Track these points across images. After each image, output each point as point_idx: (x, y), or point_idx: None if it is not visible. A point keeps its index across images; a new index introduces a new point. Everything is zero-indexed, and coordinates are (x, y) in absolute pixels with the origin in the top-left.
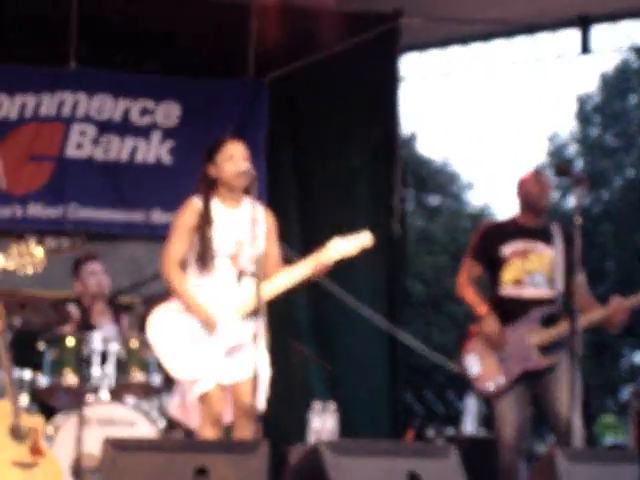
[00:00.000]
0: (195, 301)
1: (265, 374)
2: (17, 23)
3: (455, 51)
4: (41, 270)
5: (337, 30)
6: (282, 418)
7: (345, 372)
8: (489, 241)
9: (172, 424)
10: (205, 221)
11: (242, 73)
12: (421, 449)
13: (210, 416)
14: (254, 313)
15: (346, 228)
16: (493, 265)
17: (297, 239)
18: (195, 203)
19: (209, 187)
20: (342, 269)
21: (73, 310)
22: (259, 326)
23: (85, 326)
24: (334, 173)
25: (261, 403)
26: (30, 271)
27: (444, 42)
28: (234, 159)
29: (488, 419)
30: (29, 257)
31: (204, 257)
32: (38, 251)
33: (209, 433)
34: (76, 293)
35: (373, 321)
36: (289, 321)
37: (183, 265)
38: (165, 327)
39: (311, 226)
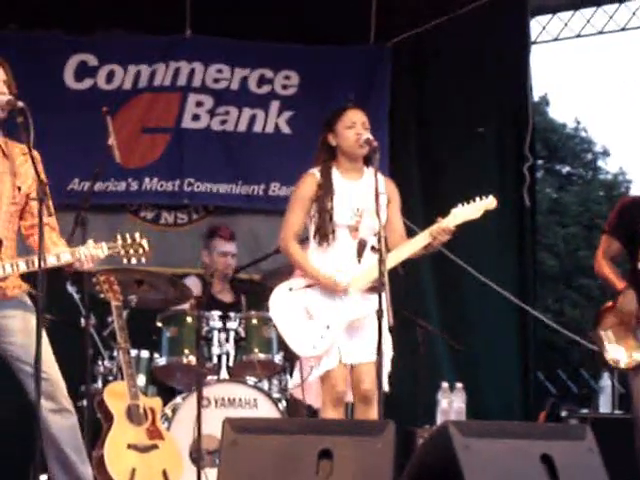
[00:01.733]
0: (318, 270)
1: (387, 353)
2: None
3: (587, 12)
4: (146, 261)
5: None
6: (409, 399)
7: (473, 350)
8: (627, 217)
9: (292, 404)
10: (324, 192)
11: (363, 40)
12: (554, 430)
13: (332, 396)
14: (376, 287)
15: (472, 200)
16: (631, 241)
17: (420, 212)
18: (314, 174)
19: (328, 156)
20: (469, 242)
21: (192, 283)
22: (382, 302)
23: (206, 298)
24: (460, 141)
25: (384, 384)
26: (134, 262)
27: (576, 3)
28: (355, 127)
29: (624, 399)
30: (134, 248)
31: (324, 229)
32: (144, 243)
33: (331, 413)
34: (202, 262)
35: (502, 296)
36: (414, 298)
37: (303, 238)
38: (287, 303)
39: (435, 198)
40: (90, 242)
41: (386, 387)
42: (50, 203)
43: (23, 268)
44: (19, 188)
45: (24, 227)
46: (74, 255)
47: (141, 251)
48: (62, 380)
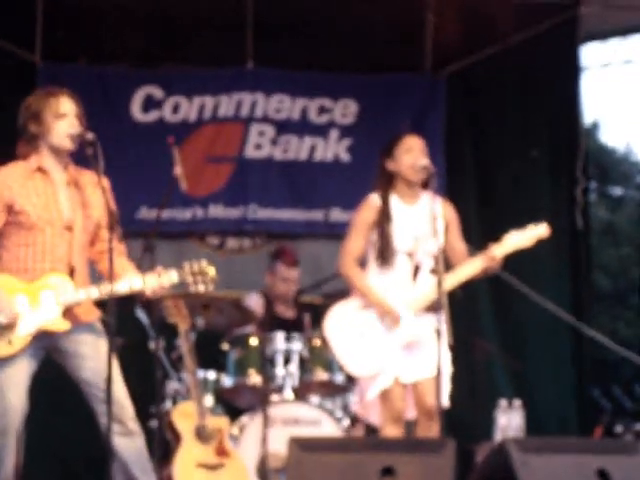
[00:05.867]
0: (376, 295)
1: (446, 371)
2: (193, 26)
3: (637, 39)
4: (212, 288)
5: (515, 21)
6: (468, 416)
7: (530, 369)
8: None
9: (354, 422)
10: (384, 217)
11: (419, 68)
12: (610, 446)
13: (391, 414)
14: (433, 308)
15: (527, 222)
16: None
17: (477, 235)
18: (374, 199)
19: (387, 182)
20: (525, 263)
21: (254, 300)
22: (440, 322)
23: (268, 318)
24: (514, 166)
25: (444, 399)
26: (202, 289)
27: (625, 31)
28: (412, 152)
29: None
30: (201, 276)
31: (384, 254)
32: (210, 270)
33: (391, 431)
34: (265, 283)
35: (558, 316)
36: (472, 318)
37: (361, 262)
38: (342, 324)
39: (491, 221)
40: (159, 269)
41: (446, 402)
42: (118, 230)
43: (95, 295)
44: (90, 217)
45: (95, 253)
46: (145, 284)
47: (208, 278)
48: (130, 403)
